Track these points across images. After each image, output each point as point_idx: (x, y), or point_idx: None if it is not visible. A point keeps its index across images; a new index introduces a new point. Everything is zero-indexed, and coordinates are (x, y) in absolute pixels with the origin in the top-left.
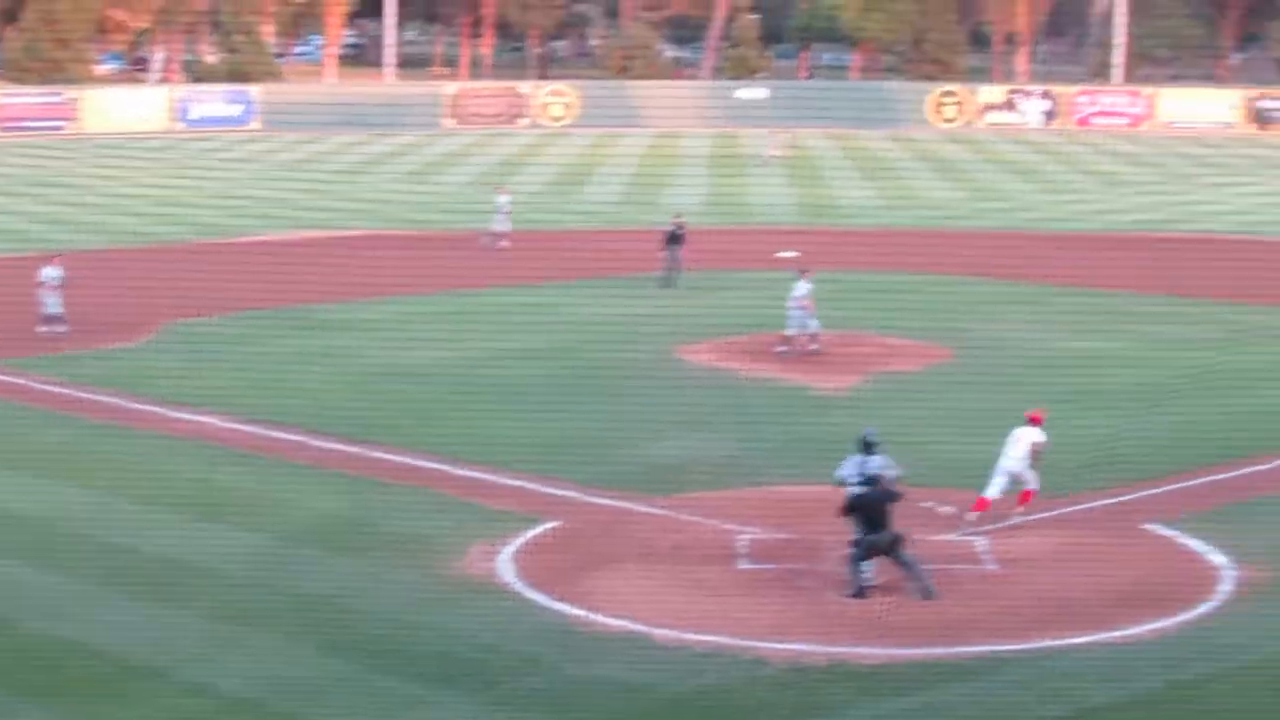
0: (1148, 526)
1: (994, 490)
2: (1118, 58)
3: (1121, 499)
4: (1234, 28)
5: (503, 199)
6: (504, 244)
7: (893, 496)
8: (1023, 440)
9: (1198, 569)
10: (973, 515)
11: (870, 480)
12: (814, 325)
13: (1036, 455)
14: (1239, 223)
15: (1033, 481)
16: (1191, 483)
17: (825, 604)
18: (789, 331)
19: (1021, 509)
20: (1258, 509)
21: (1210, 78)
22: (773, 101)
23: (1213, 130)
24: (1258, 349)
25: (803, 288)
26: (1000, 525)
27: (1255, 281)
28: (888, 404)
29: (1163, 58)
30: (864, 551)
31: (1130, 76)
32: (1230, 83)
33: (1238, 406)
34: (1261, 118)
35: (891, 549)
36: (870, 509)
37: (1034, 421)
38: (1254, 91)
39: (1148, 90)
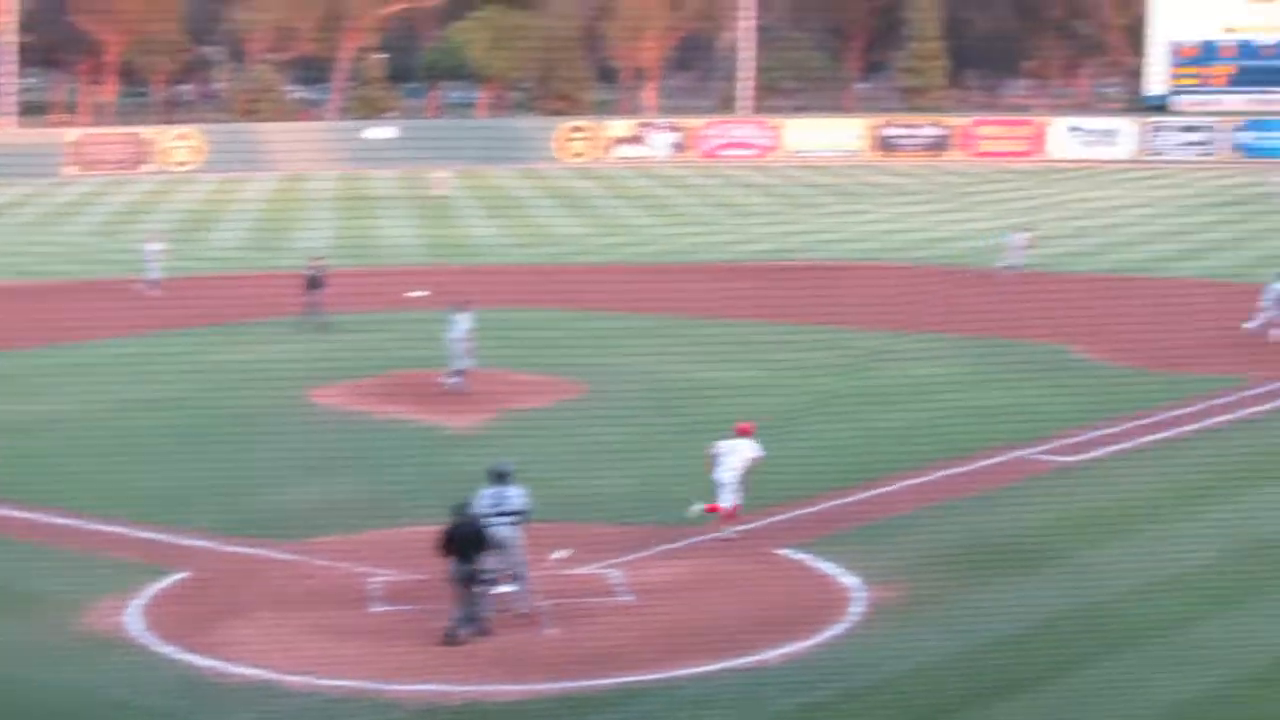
0: (781, 551)
1: (729, 500)
2: (744, 90)
3: (754, 525)
4: (858, 58)
5: (153, 247)
6: (156, 291)
7: (482, 534)
8: (738, 452)
9: (829, 591)
10: (729, 529)
11: (459, 509)
12: (465, 363)
13: (749, 466)
14: (864, 249)
15: (738, 493)
16: (822, 506)
17: (460, 643)
18: (462, 366)
19: (728, 526)
20: (886, 530)
21: (836, 107)
22: (402, 140)
23: (839, 158)
24: (880, 373)
25: (464, 323)
26: (639, 555)
27: (879, 307)
28: (520, 440)
29: (789, 88)
30: (466, 586)
31: (758, 108)
32: (856, 111)
33: (864, 430)
34: (886, 145)
35: (469, 582)
36: (462, 542)
37: (743, 433)
38: (879, 119)
39: (775, 121)
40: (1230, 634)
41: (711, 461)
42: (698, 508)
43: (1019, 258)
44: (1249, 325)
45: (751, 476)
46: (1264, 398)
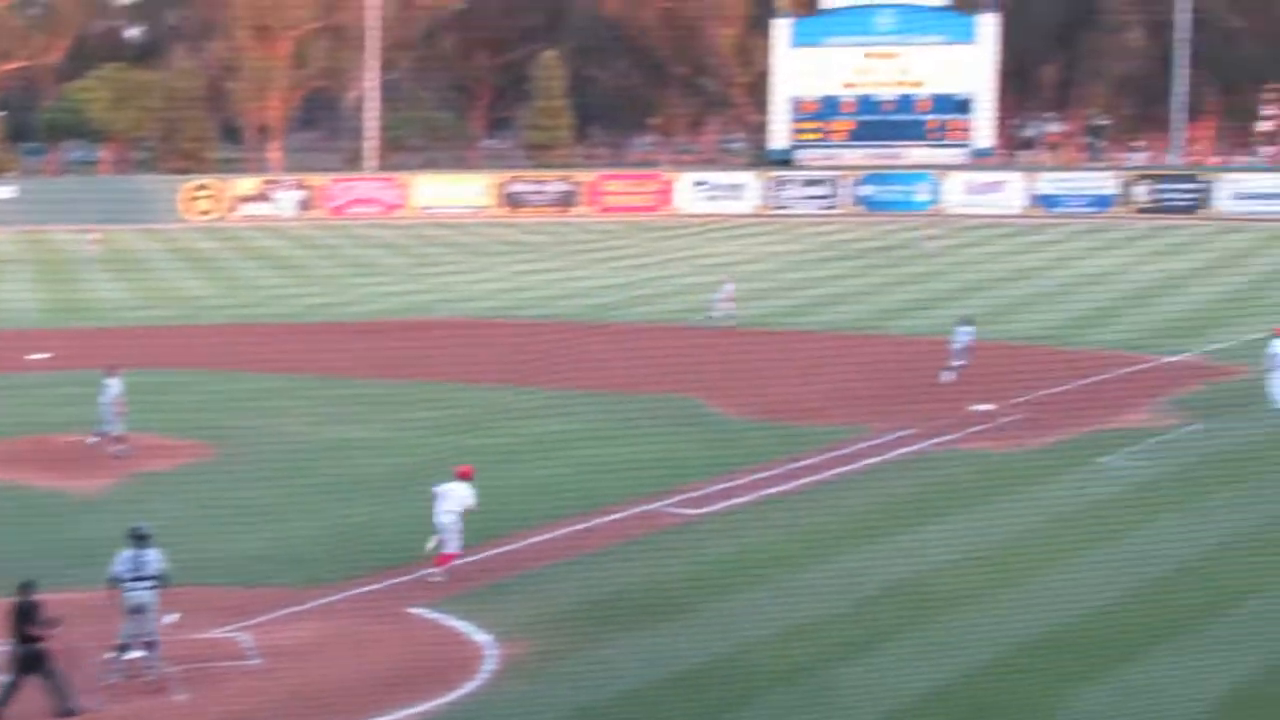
0: (413, 610)
1: (454, 545)
2: (370, 147)
3: (386, 584)
4: (483, 115)
5: None
6: None
7: (35, 614)
8: (454, 496)
9: (462, 649)
10: (438, 573)
11: (24, 587)
12: (118, 427)
13: (465, 509)
14: (493, 306)
15: (454, 544)
16: (454, 564)
17: (77, 713)
18: (115, 431)
19: (439, 569)
20: (517, 586)
21: (463, 163)
22: (21, 201)
23: (466, 214)
24: (510, 429)
25: (114, 387)
26: (270, 617)
27: (508, 362)
28: (148, 503)
29: (415, 145)
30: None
31: (384, 164)
32: (482, 168)
33: (495, 486)
34: (513, 201)
35: (30, 667)
36: (18, 621)
37: (463, 476)
38: (505, 175)
39: (402, 177)
40: (863, 679)
41: (432, 503)
42: (433, 544)
43: (725, 309)
44: (951, 369)
45: (466, 521)
46: (885, 447)
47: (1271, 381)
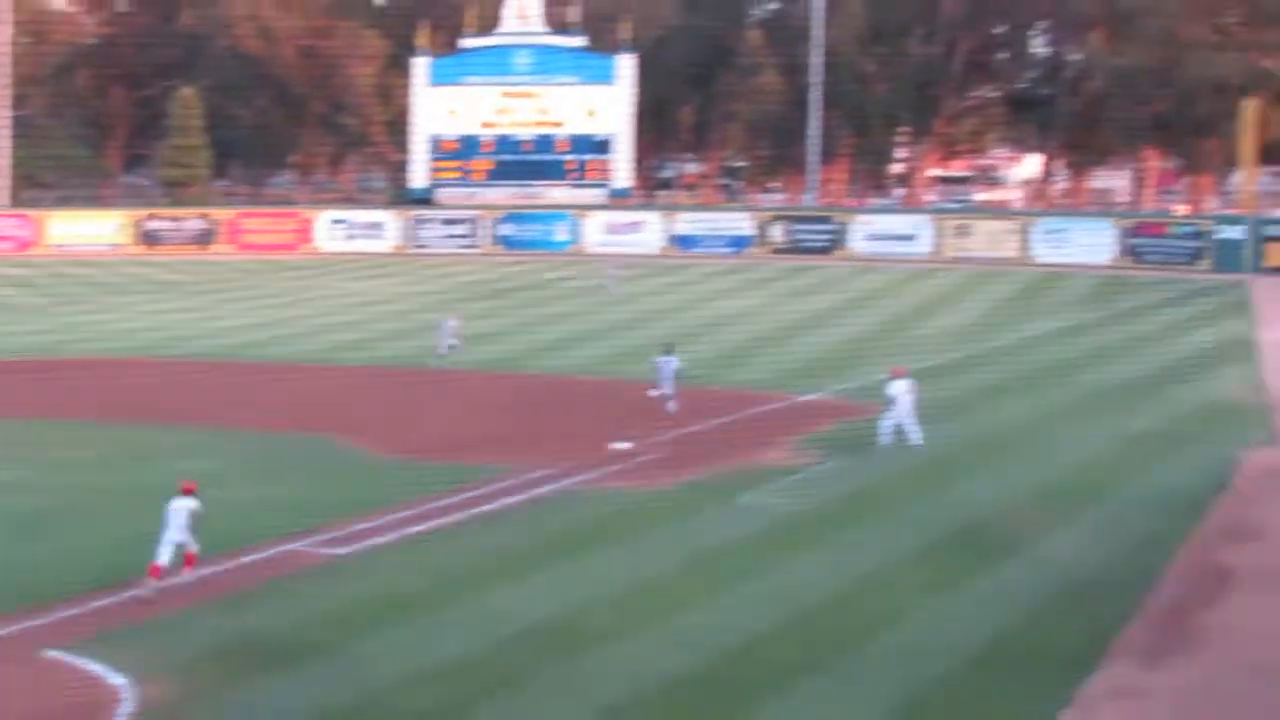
0: (47, 653)
1: (164, 558)
2: (2, 183)
3: (19, 627)
4: (120, 151)
5: None
6: None
7: None
8: (182, 510)
9: (97, 692)
10: (152, 582)
11: None
12: None
13: (195, 521)
14: (131, 345)
15: (194, 545)
16: (88, 606)
17: None
18: None
19: (189, 570)
20: (156, 627)
21: (98, 199)
22: None
23: (103, 252)
24: (144, 469)
25: None
26: None
27: (145, 401)
28: None
29: (49, 182)
30: None
31: (16, 201)
32: (119, 204)
33: (129, 527)
34: (149, 238)
35: None
36: None
37: (187, 491)
38: (142, 212)
39: (35, 213)
40: (503, 718)
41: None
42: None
43: (450, 343)
44: (653, 393)
45: (201, 527)
46: (526, 485)
47: (884, 418)
